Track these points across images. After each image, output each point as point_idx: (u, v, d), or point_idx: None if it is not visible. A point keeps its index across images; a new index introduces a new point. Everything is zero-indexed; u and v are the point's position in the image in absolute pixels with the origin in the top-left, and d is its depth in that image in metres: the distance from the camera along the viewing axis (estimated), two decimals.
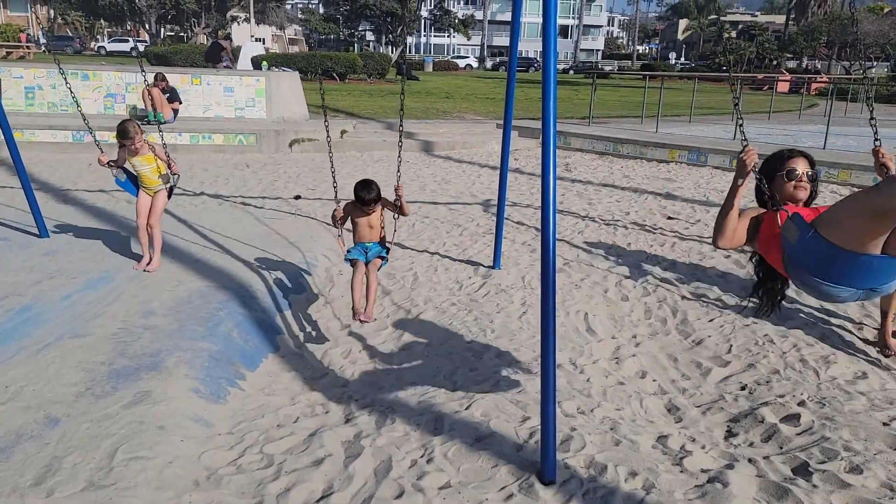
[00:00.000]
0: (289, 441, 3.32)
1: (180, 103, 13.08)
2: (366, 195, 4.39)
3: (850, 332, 4.92)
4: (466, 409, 3.58)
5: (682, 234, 7.46)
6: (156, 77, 12.85)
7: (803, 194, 2.81)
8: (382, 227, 4.64)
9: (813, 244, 2.39)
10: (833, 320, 5.11)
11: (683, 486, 2.92)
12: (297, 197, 8.88)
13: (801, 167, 2.81)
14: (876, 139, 3.04)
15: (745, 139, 2.87)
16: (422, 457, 3.14)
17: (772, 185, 2.81)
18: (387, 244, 4.70)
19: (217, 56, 18.25)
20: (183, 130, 12.37)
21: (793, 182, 2.79)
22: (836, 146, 12.53)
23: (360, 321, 4.44)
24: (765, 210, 2.85)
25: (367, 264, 4.53)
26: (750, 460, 3.21)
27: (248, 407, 3.74)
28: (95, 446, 3.04)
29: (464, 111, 19.62)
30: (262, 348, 4.53)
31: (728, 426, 3.68)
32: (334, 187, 4.56)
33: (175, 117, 12.92)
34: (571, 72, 52.92)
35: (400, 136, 4.61)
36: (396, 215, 4.57)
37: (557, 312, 5.16)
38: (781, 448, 3.38)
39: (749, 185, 2.76)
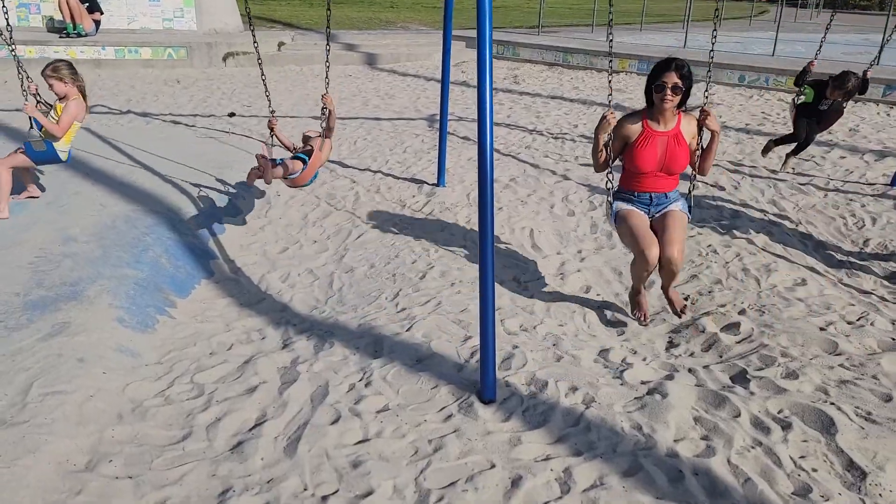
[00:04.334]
0: (221, 369, 3.18)
1: (101, 14, 12.11)
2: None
3: (791, 236, 4.98)
4: (408, 330, 3.49)
5: None
6: None
7: (669, 105, 3.38)
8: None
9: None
10: (774, 228, 5.15)
11: (623, 398, 2.91)
12: (232, 114, 8.42)
13: (669, 80, 3.33)
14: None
15: (611, 99, 3.50)
16: (360, 380, 3.04)
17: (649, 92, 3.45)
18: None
19: None
20: (106, 44, 11.51)
21: (660, 94, 3.36)
22: (785, 53, 12.48)
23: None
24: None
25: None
26: (690, 370, 3.22)
27: (178, 335, 3.57)
28: (7, 381, 2.84)
29: (409, 21, 18.81)
30: (194, 274, 4.32)
31: (669, 337, 3.69)
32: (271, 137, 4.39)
33: (97, 29, 11.99)
34: None
35: (327, 58, 4.27)
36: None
37: (503, 230, 5.07)
38: (721, 357, 3.40)
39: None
